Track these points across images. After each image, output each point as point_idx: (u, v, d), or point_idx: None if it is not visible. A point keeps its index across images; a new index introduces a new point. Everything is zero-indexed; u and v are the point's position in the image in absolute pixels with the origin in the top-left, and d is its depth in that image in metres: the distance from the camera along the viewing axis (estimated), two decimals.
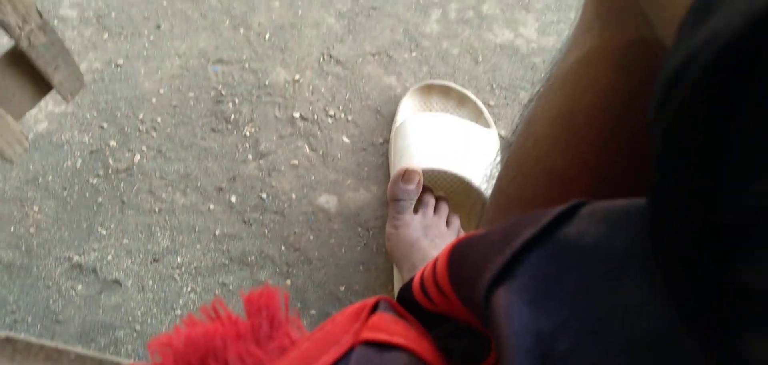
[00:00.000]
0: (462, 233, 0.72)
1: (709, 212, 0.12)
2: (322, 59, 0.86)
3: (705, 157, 0.12)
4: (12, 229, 0.73)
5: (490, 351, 0.22)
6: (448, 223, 0.70)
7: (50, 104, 0.81)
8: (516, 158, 0.33)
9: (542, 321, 0.16)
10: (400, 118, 0.78)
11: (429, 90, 0.81)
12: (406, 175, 0.67)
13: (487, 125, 0.78)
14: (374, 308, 0.24)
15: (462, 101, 0.80)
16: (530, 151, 0.31)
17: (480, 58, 0.87)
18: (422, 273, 0.26)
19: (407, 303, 0.28)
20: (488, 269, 0.18)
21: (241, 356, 0.22)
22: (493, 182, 0.38)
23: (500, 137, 0.78)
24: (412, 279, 0.28)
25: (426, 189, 0.72)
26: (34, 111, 0.79)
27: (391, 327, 0.22)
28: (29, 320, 0.68)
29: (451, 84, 0.81)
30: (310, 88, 0.83)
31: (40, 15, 0.56)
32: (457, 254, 0.22)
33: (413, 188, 0.67)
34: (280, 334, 0.24)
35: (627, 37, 0.23)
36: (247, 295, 0.25)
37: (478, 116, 0.79)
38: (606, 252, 0.16)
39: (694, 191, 0.13)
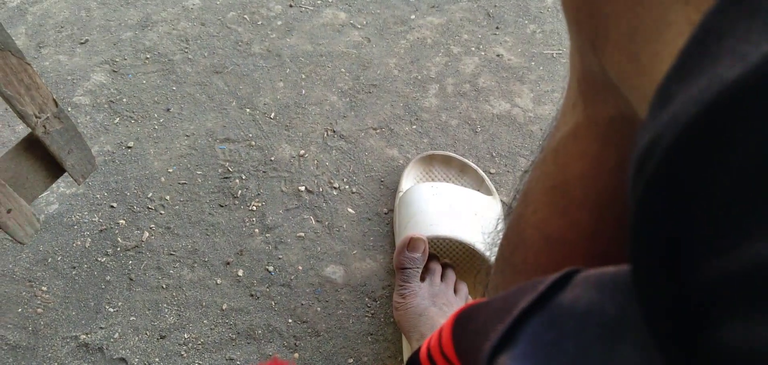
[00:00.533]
0: (470, 300, 0.72)
1: (681, 280, 0.13)
2: (325, 135, 0.88)
3: (672, 230, 0.13)
4: (19, 310, 0.73)
5: None
6: (455, 290, 0.70)
7: (62, 185, 0.83)
8: (516, 225, 0.34)
9: None
10: (403, 187, 0.80)
11: (430, 160, 0.83)
12: (412, 243, 0.68)
13: (489, 192, 0.79)
14: None
15: (463, 169, 0.82)
16: (529, 218, 0.32)
17: (478, 129, 0.89)
18: (429, 342, 0.26)
19: None
20: (489, 338, 0.19)
21: None
22: (496, 248, 0.39)
23: (502, 203, 0.79)
24: (419, 349, 0.28)
25: (432, 257, 0.72)
26: (45, 193, 0.81)
27: None
28: None
29: (452, 154, 0.83)
30: (315, 162, 0.85)
31: (56, 104, 0.59)
32: (461, 322, 0.23)
33: (419, 256, 0.68)
34: None
35: (609, 113, 0.25)
36: None
37: (479, 184, 0.81)
38: (599, 318, 0.17)
39: (664, 261, 0.14)
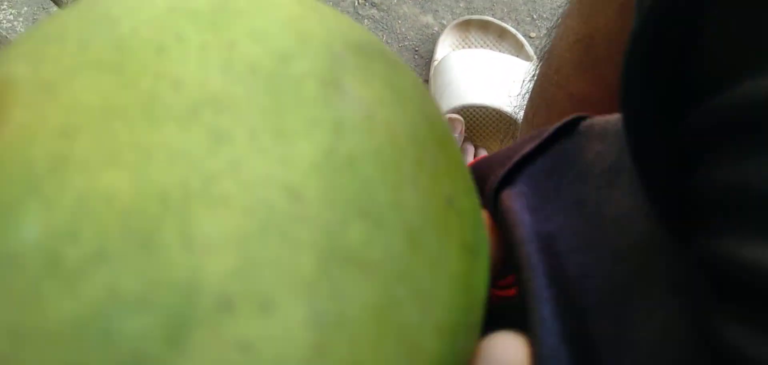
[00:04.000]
0: None
1: (673, 122, 0.13)
2: (356, 3, 0.85)
3: (668, 68, 0.12)
4: None
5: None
6: None
7: None
8: (539, 86, 0.33)
9: (541, 225, 0.17)
10: (438, 56, 0.78)
11: (467, 26, 0.80)
12: (448, 123, 0.67)
13: (528, 59, 0.76)
14: None
15: (502, 35, 0.79)
16: (552, 77, 0.31)
17: None
18: None
19: None
20: (490, 181, 0.19)
21: None
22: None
23: None
24: None
25: (466, 140, 0.72)
26: None
27: None
28: None
29: (490, 18, 0.79)
30: None
31: None
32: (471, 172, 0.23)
33: (456, 136, 0.67)
34: None
35: None
36: None
37: (519, 50, 0.77)
38: (599, 166, 0.17)
39: (656, 103, 0.13)
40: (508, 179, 0.19)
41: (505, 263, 0.18)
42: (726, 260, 0.11)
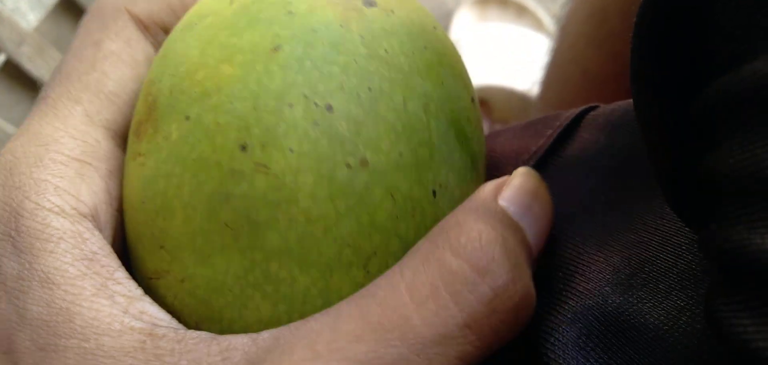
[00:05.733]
0: None
1: (682, 104, 0.12)
2: None
3: (677, 47, 0.12)
4: None
5: None
6: None
7: None
8: (554, 61, 0.32)
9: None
10: (454, 34, 0.77)
11: (485, 2, 0.79)
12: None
13: (550, 35, 0.75)
14: None
15: (520, 12, 0.77)
16: (566, 52, 0.30)
17: None
18: None
19: None
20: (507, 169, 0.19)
21: None
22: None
23: None
24: None
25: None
26: None
27: None
28: None
29: None
30: None
31: None
32: None
33: None
34: None
35: None
36: None
37: (538, 28, 0.76)
38: (609, 160, 0.16)
39: (665, 84, 0.12)
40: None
41: None
42: (736, 247, 0.11)
